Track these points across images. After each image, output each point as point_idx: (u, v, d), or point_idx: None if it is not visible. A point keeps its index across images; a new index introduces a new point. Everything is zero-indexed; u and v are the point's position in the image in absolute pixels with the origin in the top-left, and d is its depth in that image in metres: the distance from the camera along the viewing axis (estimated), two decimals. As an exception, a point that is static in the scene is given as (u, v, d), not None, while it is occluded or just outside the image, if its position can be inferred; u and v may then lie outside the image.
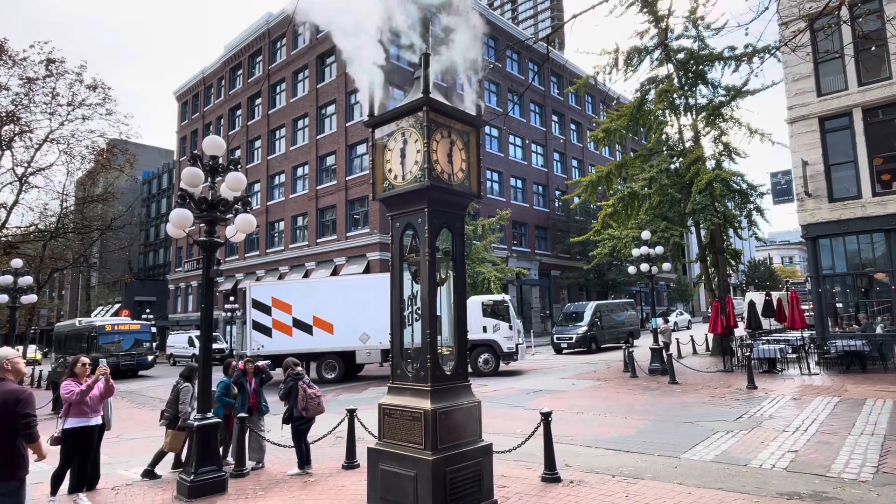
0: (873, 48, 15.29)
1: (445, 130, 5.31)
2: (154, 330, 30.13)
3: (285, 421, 7.50)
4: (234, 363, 8.23)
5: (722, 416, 9.91)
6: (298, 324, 18.13)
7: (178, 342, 34.72)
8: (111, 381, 6.69)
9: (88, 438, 6.39)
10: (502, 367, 19.34)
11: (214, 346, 31.06)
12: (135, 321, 31.09)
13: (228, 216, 7.20)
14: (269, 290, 19.06)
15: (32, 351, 37.21)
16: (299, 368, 7.66)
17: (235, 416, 7.54)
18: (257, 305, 18.35)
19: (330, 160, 34.90)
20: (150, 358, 27.86)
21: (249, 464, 7.64)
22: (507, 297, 20.06)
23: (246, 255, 40.02)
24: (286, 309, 18.16)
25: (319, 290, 18.81)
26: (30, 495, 4.79)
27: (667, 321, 18.97)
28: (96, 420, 6.48)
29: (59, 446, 6.31)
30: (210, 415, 6.76)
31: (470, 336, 19.15)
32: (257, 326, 18.21)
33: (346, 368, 18.67)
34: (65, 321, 38.10)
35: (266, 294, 18.63)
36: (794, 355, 16.30)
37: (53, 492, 6.36)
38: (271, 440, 7.82)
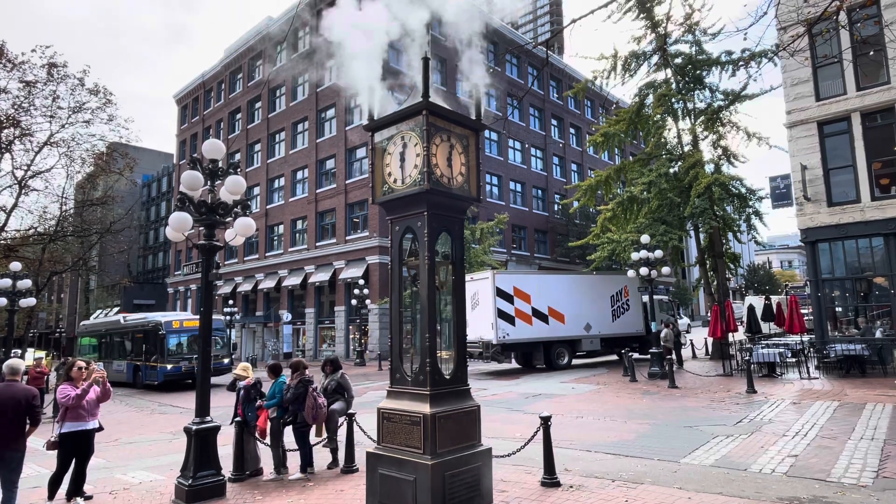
0: (871, 53, 15.35)
1: (445, 134, 5.32)
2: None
3: (285, 424, 7.47)
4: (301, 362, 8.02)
5: (721, 421, 9.89)
6: (536, 313, 19.23)
7: None
8: (108, 384, 6.66)
9: (85, 442, 6.36)
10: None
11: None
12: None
13: (228, 220, 7.19)
14: (511, 279, 19.54)
15: (45, 354, 36.47)
16: (309, 373, 7.59)
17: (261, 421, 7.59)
18: (501, 294, 18.80)
19: (329, 164, 34.94)
20: (226, 361, 22.36)
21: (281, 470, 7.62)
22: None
23: (245, 259, 40.00)
24: (526, 298, 19.06)
25: (552, 283, 19.92)
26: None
27: (668, 325, 18.96)
28: (93, 424, 6.46)
29: (55, 451, 6.29)
30: (208, 418, 6.74)
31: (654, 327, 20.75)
32: (502, 315, 18.66)
33: (571, 356, 20.35)
34: (103, 317, 31.80)
35: (509, 283, 19.11)
36: (794, 359, 16.29)
37: (51, 496, 6.33)
38: (266, 443, 7.76)
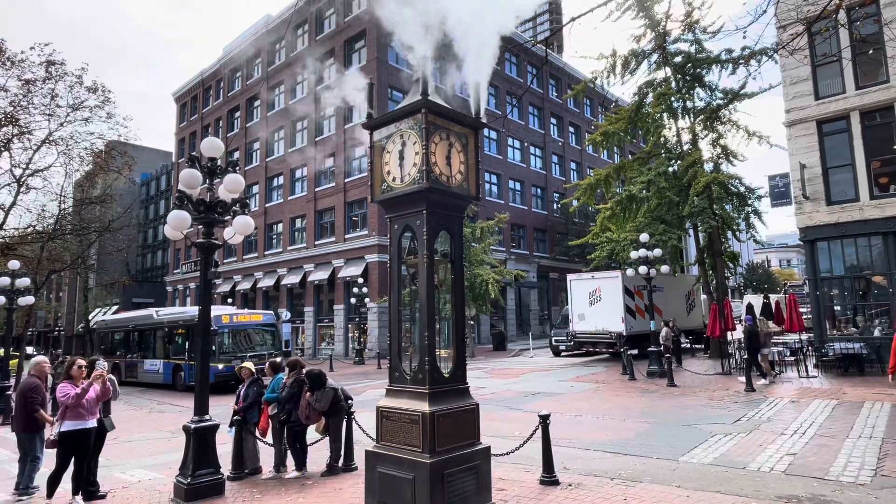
0: (871, 52, 15.34)
1: (444, 133, 5.31)
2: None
3: (282, 423, 7.47)
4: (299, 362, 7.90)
5: (720, 419, 9.91)
6: (647, 308, 21.10)
7: None
8: (108, 383, 6.65)
9: (85, 441, 6.36)
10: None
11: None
12: (255, 311, 23.69)
13: (226, 218, 7.19)
14: (631, 280, 21.66)
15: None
16: (305, 373, 7.57)
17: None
18: (627, 292, 21.19)
19: (329, 162, 34.91)
20: (278, 360, 20.17)
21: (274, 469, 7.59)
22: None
23: (244, 257, 39.97)
24: (641, 296, 21.36)
25: (630, 281, 21.78)
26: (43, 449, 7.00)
27: (667, 324, 18.99)
28: (93, 422, 6.45)
29: (55, 449, 6.29)
30: (207, 417, 6.74)
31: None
32: (627, 310, 21.08)
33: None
34: (131, 312, 28.45)
35: (631, 283, 21.55)
36: (792, 358, 16.31)
37: (49, 494, 6.33)
38: (267, 441, 7.77)
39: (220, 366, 18.18)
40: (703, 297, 25.73)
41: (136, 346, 23.46)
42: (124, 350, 24.18)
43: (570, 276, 23.09)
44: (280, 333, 22.41)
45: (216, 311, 20.92)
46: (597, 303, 21.44)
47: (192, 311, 21.47)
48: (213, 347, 18.41)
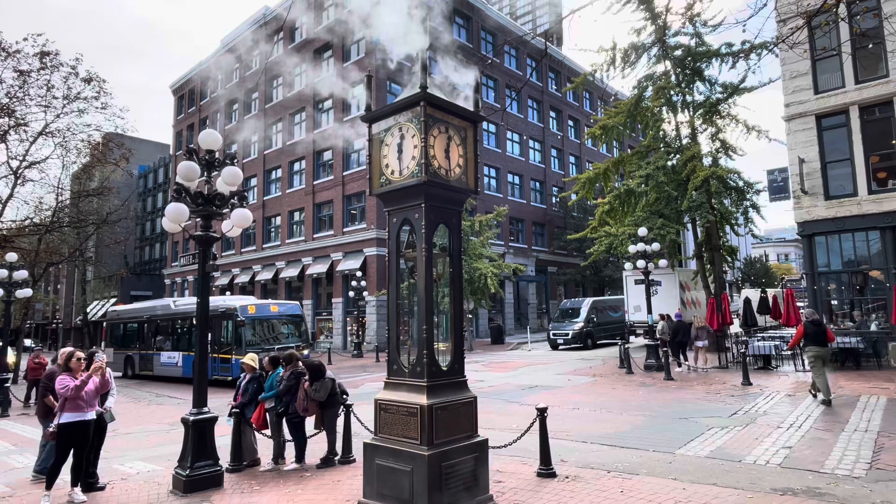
0: (870, 46, 15.31)
1: (443, 126, 5.30)
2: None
3: (279, 416, 7.50)
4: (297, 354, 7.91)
5: (717, 413, 9.96)
6: (692, 300, 23.96)
7: None
8: (107, 375, 6.66)
9: (84, 433, 6.37)
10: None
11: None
12: (278, 301, 22.39)
13: (224, 211, 7.17)
14: (684, 275, 24.32)
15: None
16: (302, 365, 7.60)
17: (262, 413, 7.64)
18: (680, 286, 23.44)
19: (327, 155, 34.82)
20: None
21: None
22: None
23: (242, 250, 39.93)
24: (688, 288, 24.24)
25: (682, 276, 24.31)
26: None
27: (663, 318, 19.04)
28: (91, 414, 6.46)
29: (54, 441, 6.30)
30: (206, 409, 6.75)
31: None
32: (682, 301, 23.28)
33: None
34: (145, 303, 26.92)
35: (684, 278, 23.98)
36: (789, 352, 16.37)
37: (49, 485, 6.34)
38: (265, 434, 7.80)
39: None
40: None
41: (151, 338, 22.28)
42: (138, 342, 23.03)
43: (625, 272, 23.94)
44: (307, 324, 21.35)
45: (241, 300, 19.70)
46: (653, 296, 22.32)
47: (230, 300, 20.09)
48: (240, 339, 17.71)
